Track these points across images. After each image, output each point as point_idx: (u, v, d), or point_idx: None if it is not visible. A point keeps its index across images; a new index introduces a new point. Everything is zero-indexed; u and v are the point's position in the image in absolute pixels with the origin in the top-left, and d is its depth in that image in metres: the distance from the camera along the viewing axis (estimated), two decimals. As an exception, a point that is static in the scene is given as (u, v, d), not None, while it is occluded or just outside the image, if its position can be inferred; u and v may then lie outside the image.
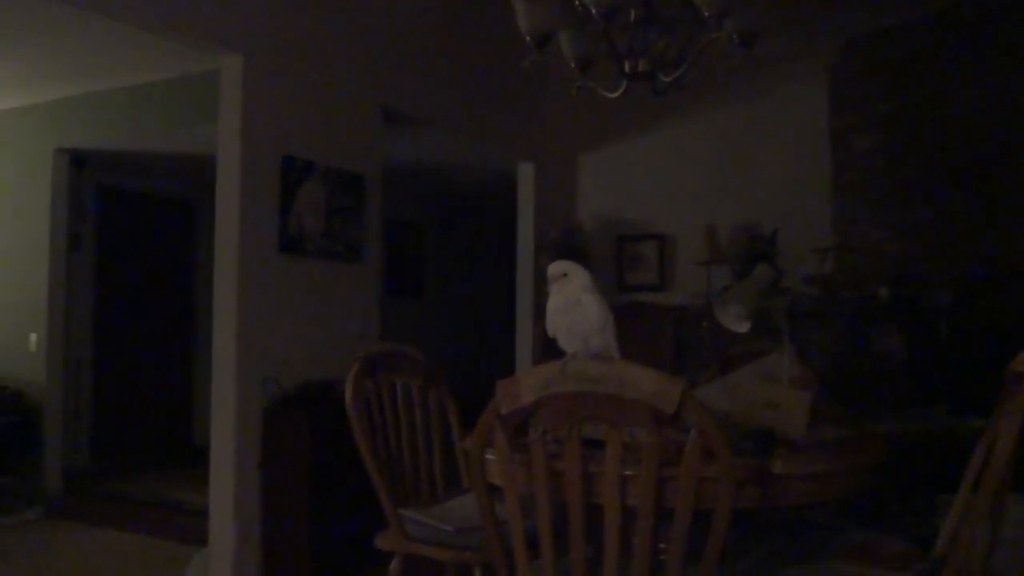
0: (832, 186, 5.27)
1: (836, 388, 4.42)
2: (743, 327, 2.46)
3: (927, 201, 4.92)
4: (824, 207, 5.27)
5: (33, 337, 5.95)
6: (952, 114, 4.88)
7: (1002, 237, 4.63)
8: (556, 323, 2.14)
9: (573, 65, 2.67)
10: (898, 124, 5.06)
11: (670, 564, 1.67)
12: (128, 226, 6.85)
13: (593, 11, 2.38)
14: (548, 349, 2.21)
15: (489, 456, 1.85)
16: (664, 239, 5.88)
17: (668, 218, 5.88)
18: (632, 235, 6.00)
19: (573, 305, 2.11)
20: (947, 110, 4.89)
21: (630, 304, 5.82)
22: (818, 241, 5.05)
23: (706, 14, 2.39)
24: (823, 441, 2.08)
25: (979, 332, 4.28)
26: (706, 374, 3.43)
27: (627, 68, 2.61)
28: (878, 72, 5.14)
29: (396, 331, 7.56)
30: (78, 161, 6.16)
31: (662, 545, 1.78)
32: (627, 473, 1.71)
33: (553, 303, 2.14)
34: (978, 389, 2.65)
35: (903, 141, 5.03)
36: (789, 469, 1.84)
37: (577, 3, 2.42)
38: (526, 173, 6.21)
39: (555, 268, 2.15)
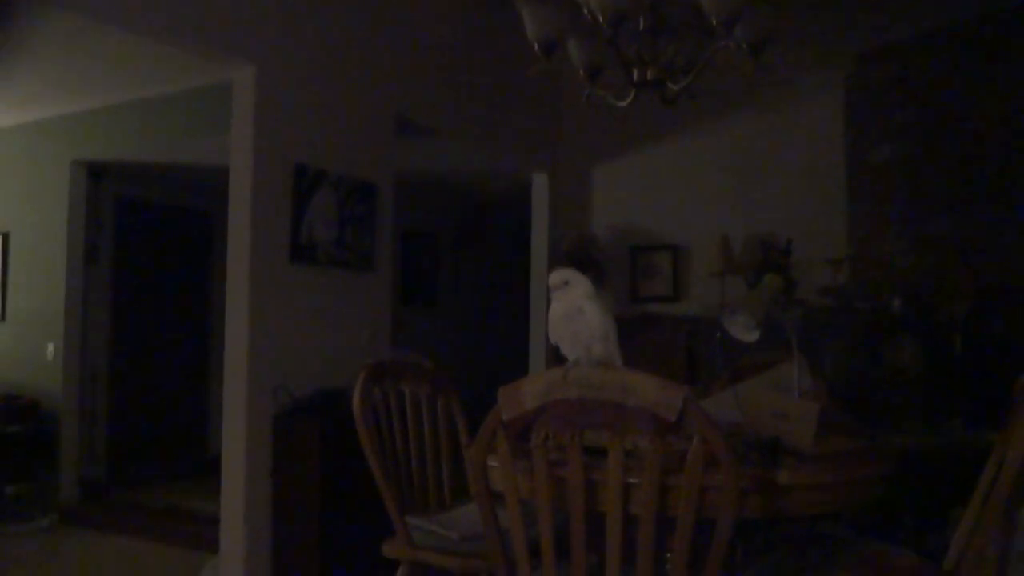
0: (847, 197, 5.23)
1: (849, 400, 4.39)
2: (751, 336, 2.44)
3: (943, 213, 4.87)
4: (839, 218, 5.24)
5: (50, 347, 6.00)
6: (969, 126, 4.83)
7: (1019, 249, 4.58)
8: (558, 331, 2.14)
9: (582, 73, 2.67)
10: (914, 135, 5.02)
11: (673, 574, 1.65)
12: (145, 237, 6.89)
13: (601, 19, 2.38)
14: (561, 359, 2.21)
15: (492, 463, 1.84)
16: (678, 250, 5.86)
17: (682, 229, 5.86)
18: (646, 246, 5.98)
19: (575, 313, 2.11)
20: (964, 122, 4.85)
21: (643, 315, 5.80)
22: (832, 252, 5.01)
23: (714, 22, 2.38)
24: (830, 452, 2.06)
25: (994, 345, 4.23)
26: (717, 384, 3.42)
27: (636, 76, 2.61)
28: (894, 83, 5.10)
29: (409, 341, 7.56)
30: (95, 173, 6.22)
31: (668, 554, 1.77)
32: (631, 481, 1.70)
33: (555, 311, 2.15)
34: (993, 402, 2.62)
35: (919, 153, 4.99)
36: (795, 479, 1.82)
37: (585, 10, 2.42)
38: (540, 184, 6.21)
39: (556, 277, 2.15)
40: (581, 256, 5.70)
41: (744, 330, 2.40)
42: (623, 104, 2.72)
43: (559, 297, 2.13)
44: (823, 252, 5.08)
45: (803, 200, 5.38)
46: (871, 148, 5.15)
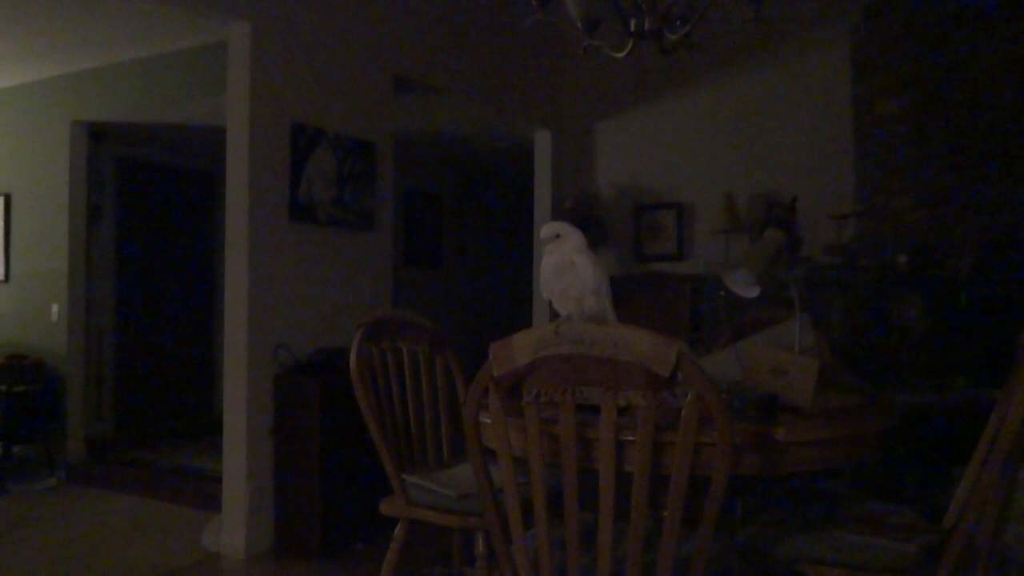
0: (854, 152, 5.16)
1: (854, 357, 4.36)
2: (752, 293, 2.41)
3: (952, 167, 4.79)
4: (846, 174, 5.17)
5: (54, 308, 6.01)
6: (979, 78, 4.74)
7: (1028, 204, 4.52)
8: (550, 285, 2.10)
9: (579, 24, 2.60)
10: (923, 88, 4.92)
11: (667, 530, 1.64)
12: (148, 197, 6.86)
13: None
14: (556, 315, 2.17)
15: (485, 419, 1.82)
16: (682, 208, 5.81)
17: (686, 186, 5.80)
18: (650, 204, 5.93)
19: (567, 267, 2.07)
20: (974, 74, 4.75)
21: (647, 274, 5.77)
22: (838, 209, 4.95)
23: (714, -31, 2.32)
24: (829, 409, 2.04)
25: (1000, 301, 4.19)
26: (719, 342, 3.39)
27: (633, 26, 2.54)
28: (903, 34, 5.00)
29: (413, 301, 7.57)
30: (96, 134, 6.17)
31: (665, 513, 1.76)
32: (625, 438, 1.68)
33: (546, 265, 2.11)
34: (998, 359, 2.59)
35: (928, 106, 4.90)
36: (792, 436, 1.80)
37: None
38: (543, 141, 6.15)
39: (547, 229, 2.11)
40: (584, 214, 5.65)
41: (744, 287, 2.36)
42: (621, 55, 2.66)
43: (551, 250, 2.09)
44: (829, 209, 5.03)
45: (809, 156, 5.32)
46: (877, 102, 5.06)
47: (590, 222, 5.54)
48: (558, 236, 2.07)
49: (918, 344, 4.27)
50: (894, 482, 3.70)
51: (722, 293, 4.71)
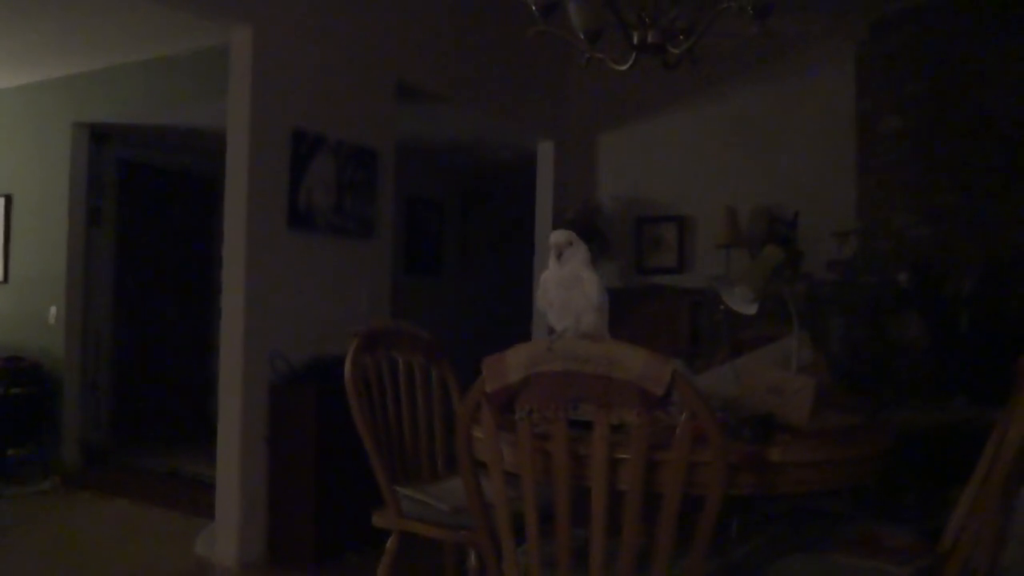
0: (857, 169, 5.14)
1: (854, 375, 4.34)
2: (750, 310, 2.39)
3: (955, 186, 4.78)
4: (848, 190, 5.16)
5: (53, 310, 5.99)
6: (983, 96, 4.73)
7: (1031, 223, 4.50)
8: (552, 296, 2.06)
9: (582, 36, 2.59)
10: (927, 106, 4.91)
11: (659, 549, 1.61)
12: (149, 200, 6.85)
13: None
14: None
15: (478, 434, 1.80)
16: (684, 221, 5.79)
17: (689, 200, 5.79)
18: (652, 217, 5.91)
19: (574, 280, 2.04)
20: (978, 92, 4.74)
21: (648, 287, 5.75)
22: (840, 225, 4.93)
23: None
24: (825, 429, 2.02)
25: (1001, 321, 4.16)
26: (718, 357, 3.37)
27: (636, 40, 2.53)
28: (907, 52, 4.99)
29: (413, 310, 7.53)
30: (98, 136, 6.17)
31: (658, 532, 1.73)
32: (618, 456, 1.66)
33: (553, 275, 2.07)
34: (999, 379, 2.56)
35: (932, 124, 4.88)
36: (787, 457, 1.78)
37: (584, -29, 2.35)
38: (546, 151, 6.14)
39: (561, 236, 2.06)
40: (586, 226, 5.63)
41: (742, 302, 2.34)
42: (623, 68, 2.64)
43: (565, 259, 2.04)
44: (831, 225, 5.01)
45: (811, 172, 5.30)
46: (881, 118, 5.05)
47: (592, 233, 5.52)
48: (571, 244, 2.04)
49: (918, 362, 4.25)
50: (893, 501, 3.67)
51: (722, 307, 4.69)
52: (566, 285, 2.07)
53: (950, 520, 2.14)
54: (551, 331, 2.13)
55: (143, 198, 6.79)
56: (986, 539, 1.82)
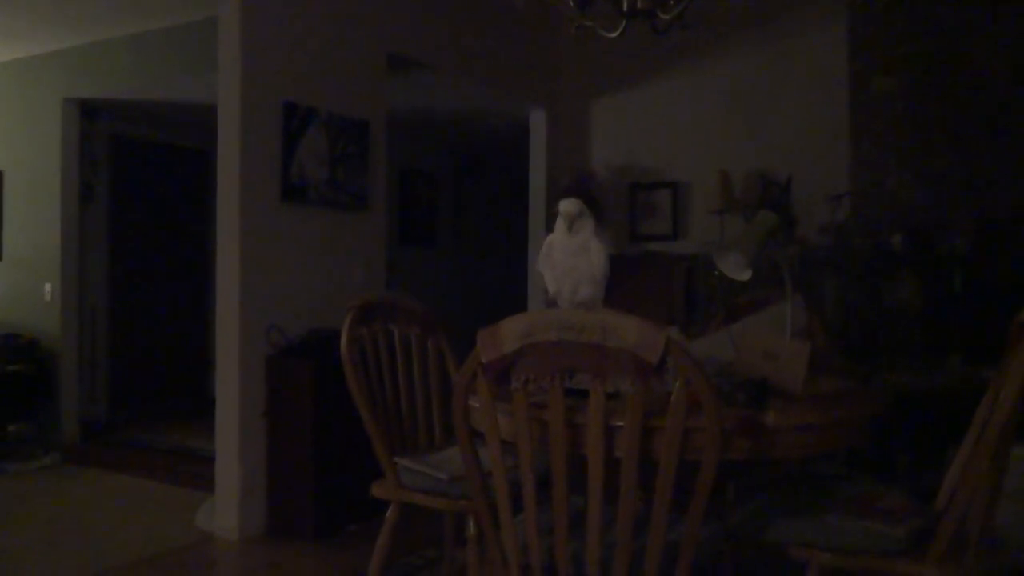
0: (850, 131, 5.12)
1: (849, 338, 4.36)
2: (744, 275, 2.39)
3: (949, 146, 4.77)
4: (842, 153, 5.14)
5: (48, 287, 5.98)
6: (977, 56, 4.71)
7: (1022, 184, 4.50)
8: (557, 262, 2.06)
9: (572, 3, 2.57)
10: (921, 66, 4.89)
11: (656, 515, 1.63)
12: (142, 175, 6.82)
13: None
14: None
15: (475, 404, 1.81)
16: (678, 187, 5.77)
17: (682, 165, 5.77)
18: (645, 183, 5.90)
19: (582, 249, 2.03)
20: (972, 51, 4.72)
21: (642, 254, 5.75)
22: (834, 189, 4.93)
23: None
24: (819, 393, 2.03)
25: (995, 281, 4.17)
26: (713, 323, 3.38)
27: (625, 6, 2.51)
28: (900, 12, 4.96)
29: (408, 280, 7.56)
30: (89, 111, 6.12)
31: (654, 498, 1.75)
32: (614, 424, 1.67)
33: (561, 242, 2.06)
34: (993, 339, 2.58)
35: (925, 83, 4.87)
36: (782, 421, 1.79)
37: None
38: (538, 119, 6.10)
39: (572, 206, 2.06)
40: (580, 194, 5.61)
41: (735, 268, 2.35)
42: (613, 35, 2.62)
43: (576, 228, 2.04)
44: (825, 189, 5.01)
45: (805, 135, 5.28)
46: (874, 80, 5.02)
47: (587, 202, 5.51)
48: (582, 214, 2.03)
49: (912, 324, 4.27)
50: (888, 462, 3.71)
51: (716, 273, 4.70)
52: (573, 252, 2.07)
53: (944, 480, 2.16)
54: (546, 294, 2.12)
55: (136, 173, 6.76)
56: (980, 498, 1.85)
